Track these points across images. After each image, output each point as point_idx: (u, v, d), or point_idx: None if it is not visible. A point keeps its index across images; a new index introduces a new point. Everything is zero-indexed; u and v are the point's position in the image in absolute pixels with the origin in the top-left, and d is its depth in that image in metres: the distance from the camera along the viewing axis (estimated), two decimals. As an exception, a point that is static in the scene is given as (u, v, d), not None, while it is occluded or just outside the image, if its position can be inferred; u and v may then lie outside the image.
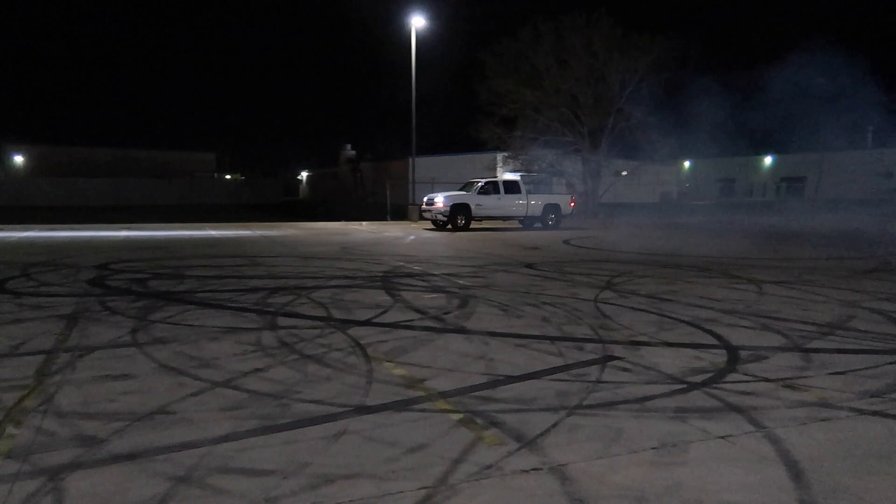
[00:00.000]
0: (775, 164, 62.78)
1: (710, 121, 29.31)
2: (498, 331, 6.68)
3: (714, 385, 4.90)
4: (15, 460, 3.43)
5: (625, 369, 5.30)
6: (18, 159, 60.90)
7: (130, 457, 3.50)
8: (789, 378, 5.10)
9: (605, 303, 8.36)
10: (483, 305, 8.12)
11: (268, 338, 6.28)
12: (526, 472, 3.38)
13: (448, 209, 23.38)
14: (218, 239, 18.89)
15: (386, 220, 30.35)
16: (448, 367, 5.30)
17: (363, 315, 7.42)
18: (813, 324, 7.15)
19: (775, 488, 3.25)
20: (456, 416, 4.18)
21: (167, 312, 7.49)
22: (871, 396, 4.67)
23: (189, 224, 25.86)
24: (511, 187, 24.52)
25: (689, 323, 7.14)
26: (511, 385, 4.87)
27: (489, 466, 3.43)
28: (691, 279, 10.70)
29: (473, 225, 24.35)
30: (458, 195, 24.25)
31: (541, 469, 3.42)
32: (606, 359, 5.63)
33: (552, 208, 25.02)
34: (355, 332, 6.56)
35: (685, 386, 4.88)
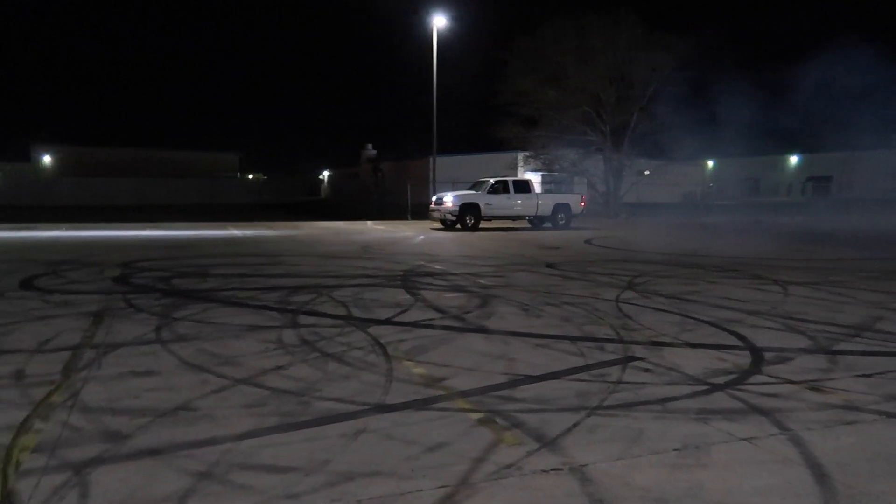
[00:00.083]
0: (801, 164, 61.89)
1: (735, 120, 28.99)
2: (518, 330, 6.66)
3: (737, 386, 4.84)
4: (42, 454, 3.50)
5: (646, 370, 5.26)
6: (47, 159, 62.09)
7: (154, 452, 3.55)
8: (814, 380, 5.02)
9: (627, 303, 8.29)
10: (503, 305, 8.10)
11: (289, 336, 6.33)
12: (546, 472, 3.37)
13: (457, 209, 23.13)
14: (240, 238, 19.07)
15: (406, 219, 30.41)
16: (468, 367, 5.30)
17: (383, 314, 7.45)
18: (839, 325, 7.03)
19: (800, 492, 3.20)
20: (476, 416, 4.18)
21: (190, 310, 7.58)
22: (900, 400, 4.58)
23: (212, 223, 26.14)
24: (521, 186, 24.28)
25: (711, 324, 7.06)
26: (531, 385, 4.85)
27: (509, 466, 3.42)
28: (714, 280, 10.58)
29: (483, 225, 24.08)
30: (467, 194, 24.01)
31: (561, 469, 3.40)
32: (627, 359, 5.58)
33: (562, 208, 24.71)
34: (375, 330, 6.59)
35: (708, 387, 4.82)
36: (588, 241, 18.60)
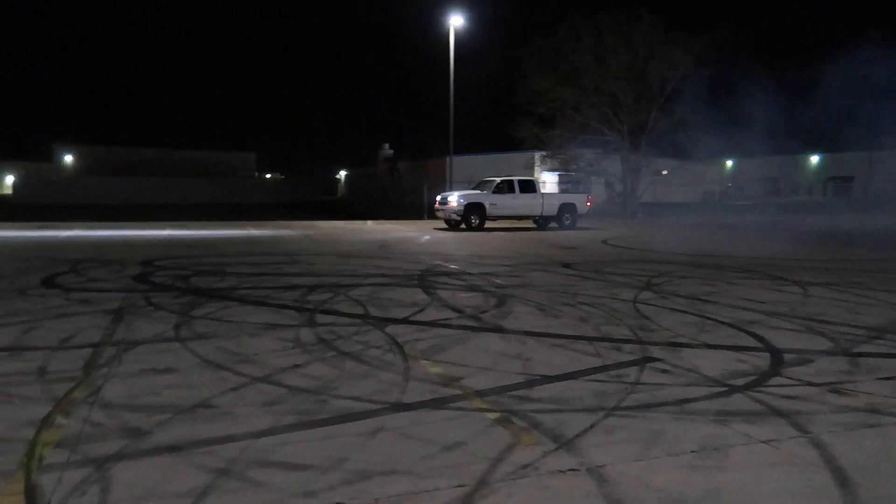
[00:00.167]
0: (822, 163, 61.11)
1: (755, 118, 28.67)
2: (535, 330, 6.64)
3: (757, 388, 4.79)
4: (64, 449, 3.55)
5: (664, 371, 5.22)
6: (68, 159, 62.92)
7: (173, 449, 3.58)
8: (836, 382, 4.96)
9: (645, 303, 8.24)
10: (520, 305, 8.09)
11: (306, 334, 6.36)
12: (563, 472, 3.36)
13: (462, 208, 22.86)
14: (257, 237, 19.20)
15: (423, 219, 30.42)
16: (484, 366, 5.29)
17: (400, 313, 7.46)
18: (861, 327, 6.94)
19: (821, 495, 3.16)
20: (492, 415, 4.18)
21: (209, 308, 7.64)
22: (923, 403, 4.51)
23: (229, 222, 26.34)
24: (526, 186, 24.01)
25: (730, 325, 7.00)
26: (548, 385, 4.84)
27: (525, 466, 3.42)
28: (733, 280, 10.48)
29: (487, 225, 23.75)
30: (472, 194, 23.78)
31: (578, 470, 3.39)
32: (645, 360, 5.55)
33: (568, 208, 24.40)
34: (392, 329, 6.60)
35: (726, 389, 4.78)
36: (605, 242, 18.50)
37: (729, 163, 59.74)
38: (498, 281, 10.22)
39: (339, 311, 7.58)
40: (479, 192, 24.08)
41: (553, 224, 24.47)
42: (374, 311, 7.54)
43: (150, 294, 8.60)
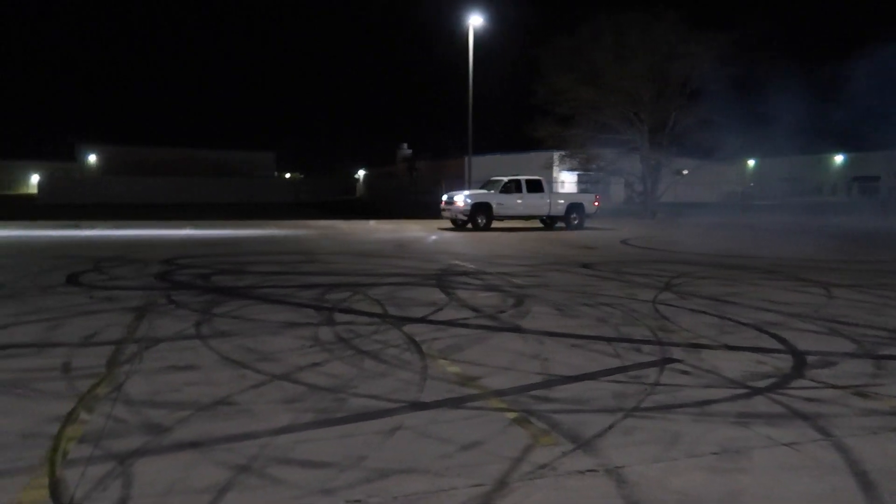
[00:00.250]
0: (847, 163, 60.21)
1: (778, 117, 28.32)
2: (553, 330, 6.62)
3: (778, 391, 4.74)
4: (87, 444, 3.60)
5: (684, 372, 5.18)
6: (92, 159, 63.80)
7: (194, 445, 3.62)
8: (859, 385, 4.88)
9: (664, 304, 8.18)
10: (538, 305, 8.06)
11: (325, 333, 6.39)
12: (581, 473, 3.34)
13: (469, 208, 22.51)
14: (276, 236, 19.34)
15: (441, 218, 30.38)
16: (503, 366, 5.29)
17: (418, 312, 7.47)
18: (885, 329, 6.82)
19: (844, 500, 3.12)
20: (510, 415, 4.17)
21: (229, 307, 7.71)
22: (950, 407, 4.42)
23: (249, 221, 26.54)
24: (533, 186, 23.65)
25: (752, 326, 6.92)
26: (566, 385, 4.82)
27: (544, 466, 3.41)
28: (755, 281, 10.36)
29: (494, 224, 23.25)
30: (478, 194, 23.48)
31: (596, 471, 3.37)
32: (665, 361, 5.51)
33: (575, 208, 24.06)
34: (410, 328, 6.61)
35: (748, 391, 4.73)
36: (624, 242, 18.38)
37: (751, 162, 59.07)
38: (516, 281, 10.20)
39: (358, 309, 7.61)
40: (485, 191, 23.76)
41: (560, 224, 24.17)
42: (392, 310, 7.56)
43: (172, 292, 8.70)
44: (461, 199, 22.92)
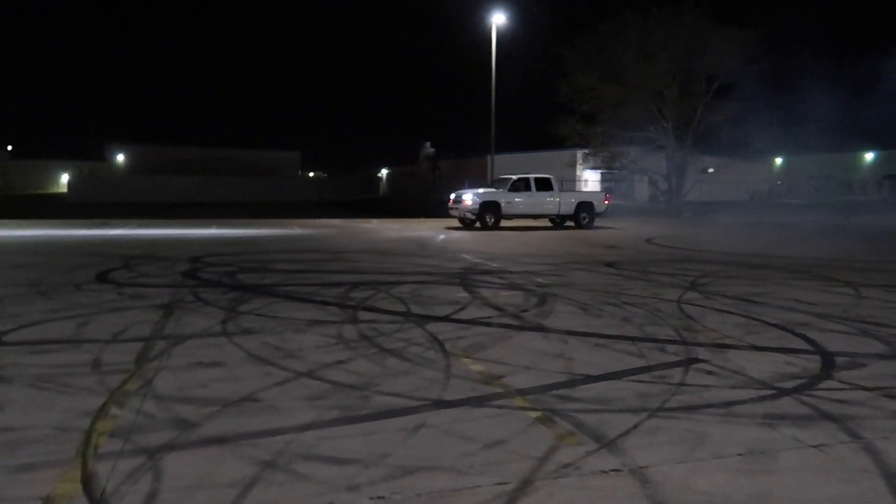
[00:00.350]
0: (878, 160, 59.02)
1: (806, 114, 27.86)
2: (577, 329, 6.60)
3: (806, 392, 4.67)
4: (118, 439, 3.67)
5: (709, 372, 5.13)
6: (120, 158, 64.86)
7: (221, 441, 3.67)
8: (890, 387, 4.79)
9: (690, 304, 8.10)
10: (562, 304, 8.04)
11: (349, 331, 6.44)
12: (605, 472, 3.33)
13: (477, 207, 22.19)
14: (300, 235, 19.49)
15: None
16: (526, 365, 5.28)
17: (441, 311, 7.49)
18: (918, 330, 6.69)
19: (873, 503, 3.07)
20: (534, 414, 4.17)
21: (254, 304, 7.80)
22: (985, 410, 4.33)
23: (274, 220, 26.77)
24: (543, 184, 23.32)
25: (779, 326, 6.83)
26: (590, 385, 4.80)
27: (567, 465, 3.40)
28: (782, 281, 10.22)
29: (503, 223, 22.88)
30: (487, 192, 23.17)
31: (621, 470, 3.36)
32: (690, 361, 5.46)
33: (585, 206, 23.72)
34: (433, 327, 6.63)
35: (775, 392, 4.67)
36: (649, 241, 18.23)
37: (778, 160, 58.17)
38: (539, 280, 10.17)
39: (381, 308, 7.65)
40: (494, 190, 23.46)
41: (570, 223, 23.83)
42: (415, 309, 7.59)
43: (199, 290, 8.82)
44: (469, 197, 22.59)
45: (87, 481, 3.16)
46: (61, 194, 55.91)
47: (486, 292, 8.95)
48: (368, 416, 4.09)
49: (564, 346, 5.95)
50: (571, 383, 4.83)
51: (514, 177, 23.55)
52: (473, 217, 22.51)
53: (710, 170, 38.48)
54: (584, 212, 23.60)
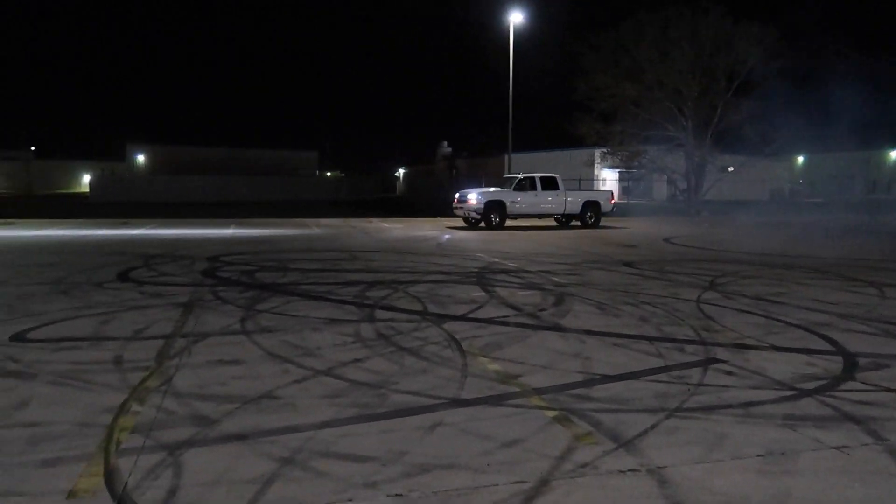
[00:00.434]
0: (902, 159, 58.09)
1: (829, 112, 27.48)
2: (594, 329, 6.57)
3: (828, 393, 4.62)
4: (139, 435, 3.73)
5: (729, 373, 5.09)
6: (140, 158, 65.63)
7: (240, 437, 3.71)
8: (914, 388, 4.72)
9: (708, 303, 8.03)
10: (579, 303, 8.01)
11: (366, 330, 6.47)
12: (623, 472, 3.32)
13: (482, 206, 21.87)
14: (318, 234, 19.59)
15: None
16: (543, 364, 5.27)
17: (458, 310, 7.50)
18: (943, 331, 6.58)
19: (896, 505, 3.03)
20: (551, 413, 4.16)
21: (273, 303, 7.86)
22: None
23: (292, 220, 26.93)
24: (548, 183, 22.99)
25: (800, 327, 6.75)
26: (607, 384, 4.79)
27: (585, 465, 3.40)
28: (803, 281, 10.10)
29: (508, 223, 22.53)
30: (492, 191, 22.89)
31: (638, 470, 3.34)
32: (709, 361, 5.42)
33: (591, 206, 23.42)
34: (450, 326, 6.64)
35: (795, 392, 4.62)
36: (667, 240, 18.10)
37: (800, 159, 57.44)
38: (556, 279, 10.14)
39: (398, 307, 7.67)
40: (499, 189, 23.18)
41: (576, 222, 23.54)
42: (432, 308, 7.61)
43: (218, 288, 8.91)
44: (474, 196, 22.27)
45: (110, 476, 3.21)
46: (83, 194, 56.64)
47: (503, 291, 8.94)
48: (386, 415, 4.11)
49: (582, 345, 5.93)
50: (589, 383, 4.81)
51: (520, 176, 23.35)
52: (478, 216, 22.22)
53: (730, 168, 38.07)
54: (590, 211, 23.41)
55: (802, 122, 30.51)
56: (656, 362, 5.37)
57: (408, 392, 4.55)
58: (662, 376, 4.99)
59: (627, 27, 33.30)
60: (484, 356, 5.52)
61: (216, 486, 3.11)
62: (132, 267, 11.10)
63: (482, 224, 22.24)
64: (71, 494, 3.02)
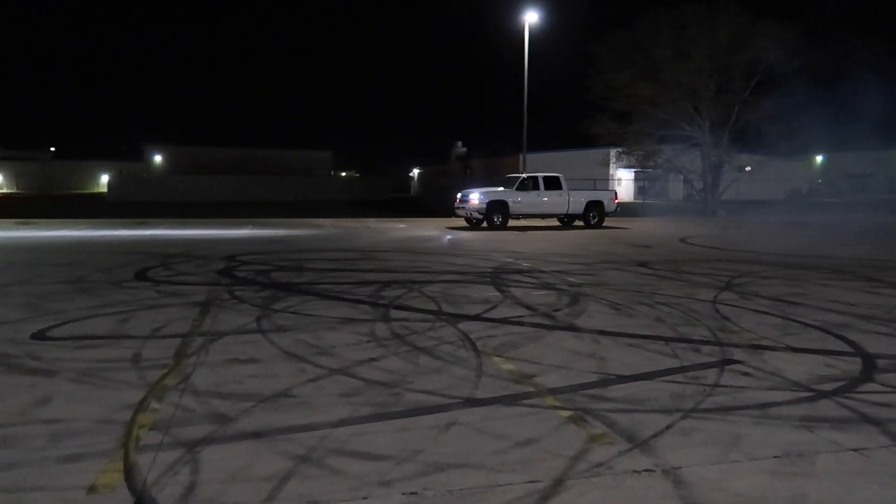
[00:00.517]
0: (923, 158, 57.23)
1: (848, 111, 27.16)
2: (609, 329, 6.55)
3: (846, 394, 4.58)
4: (158, 432, 3.77)
5: (745, 374, 5.06)
6: (158, 159, 66.27)
7: (257, 435, 3.75)
8: (934, 390, 4.67)
9: (725, 304, 7.98)
10: (594, 303, 7.99)
11: (381, 329, 6.50)
12: (638, 472, 3.31)
13: (484, 206, 21.76)
14: (333, 234, 19.68)
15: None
16: (558, 364, 5.27)
17: (473, 310, 7.51)
18: (964, 333, 6.49)
19: (915, 508, 3.00)
20: (565, 413, 4.16)
21: (288, 302, 7.91)
22: None
23: (307, 219, 27.07)
24: (551, 183, 22.84)
25: (818, 328, 6.69)
26: (622, 385, 4.77)
27: (599, 465, 3.39)
28: (822, 281, 10.00)
29: (510, 223, 22.50)
30: (494, 191, 22.76)
31: (653, 471, 3.34)
32: (725, 362, 5.39)
33: (594, 206, 23.28)
34: (465, 326, 6.65)
35: (813, 394, 4.59)
36: (683, 240, 17.99)
37: (818, 158, 56.81)
38: (571, 279, 10.12)
39: (413, 306, 7.69)
40: (502, 189, 22.99)
41: (578, 222, 23.39)
42: (446, 308, 7.62)
43: (234, 288, 8.98)
44: (476, 196, 22.15)
45: (129, 472, 3.25)
46: (102, 194, 57.29)
47: (517, 291, 8.93)
48: (401, 413, 4.13)
49: (597, 345, 5.92)
50: (604, 383, 4.80)
51: (523, 175, 23.21)
52: (480, 216, 22.09)
53: (748, 168, 37.75)
54: (594, 211, 23.25)
55: (821, 121, 30.20)
56: (672, 363, 5.34)
57: (422, 391, 4.57)
58: (678, 377, 4.97)
59: (644, 26, 33.09)
60: (498, 356, 5.53)
61: (233, 483, 3.14)
62: (149, 266, 11.21)
63: (484, 224, 22.13)
64: (91, 490, 3.07)
